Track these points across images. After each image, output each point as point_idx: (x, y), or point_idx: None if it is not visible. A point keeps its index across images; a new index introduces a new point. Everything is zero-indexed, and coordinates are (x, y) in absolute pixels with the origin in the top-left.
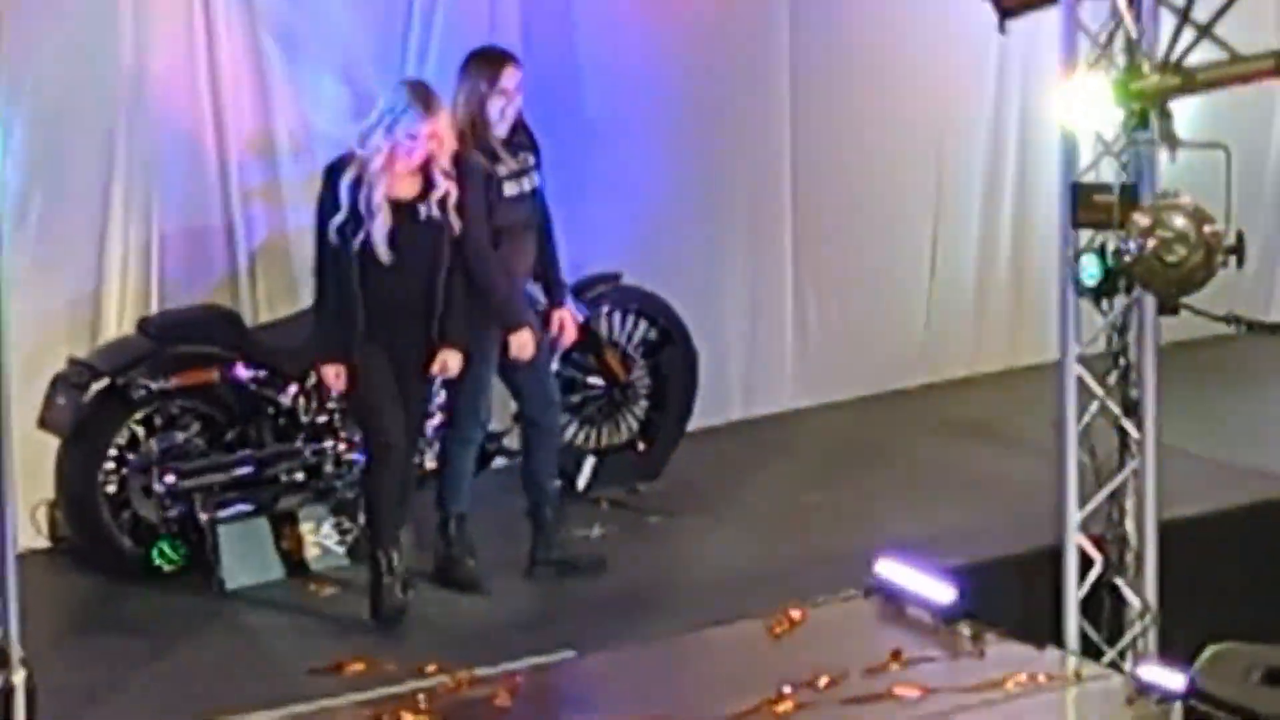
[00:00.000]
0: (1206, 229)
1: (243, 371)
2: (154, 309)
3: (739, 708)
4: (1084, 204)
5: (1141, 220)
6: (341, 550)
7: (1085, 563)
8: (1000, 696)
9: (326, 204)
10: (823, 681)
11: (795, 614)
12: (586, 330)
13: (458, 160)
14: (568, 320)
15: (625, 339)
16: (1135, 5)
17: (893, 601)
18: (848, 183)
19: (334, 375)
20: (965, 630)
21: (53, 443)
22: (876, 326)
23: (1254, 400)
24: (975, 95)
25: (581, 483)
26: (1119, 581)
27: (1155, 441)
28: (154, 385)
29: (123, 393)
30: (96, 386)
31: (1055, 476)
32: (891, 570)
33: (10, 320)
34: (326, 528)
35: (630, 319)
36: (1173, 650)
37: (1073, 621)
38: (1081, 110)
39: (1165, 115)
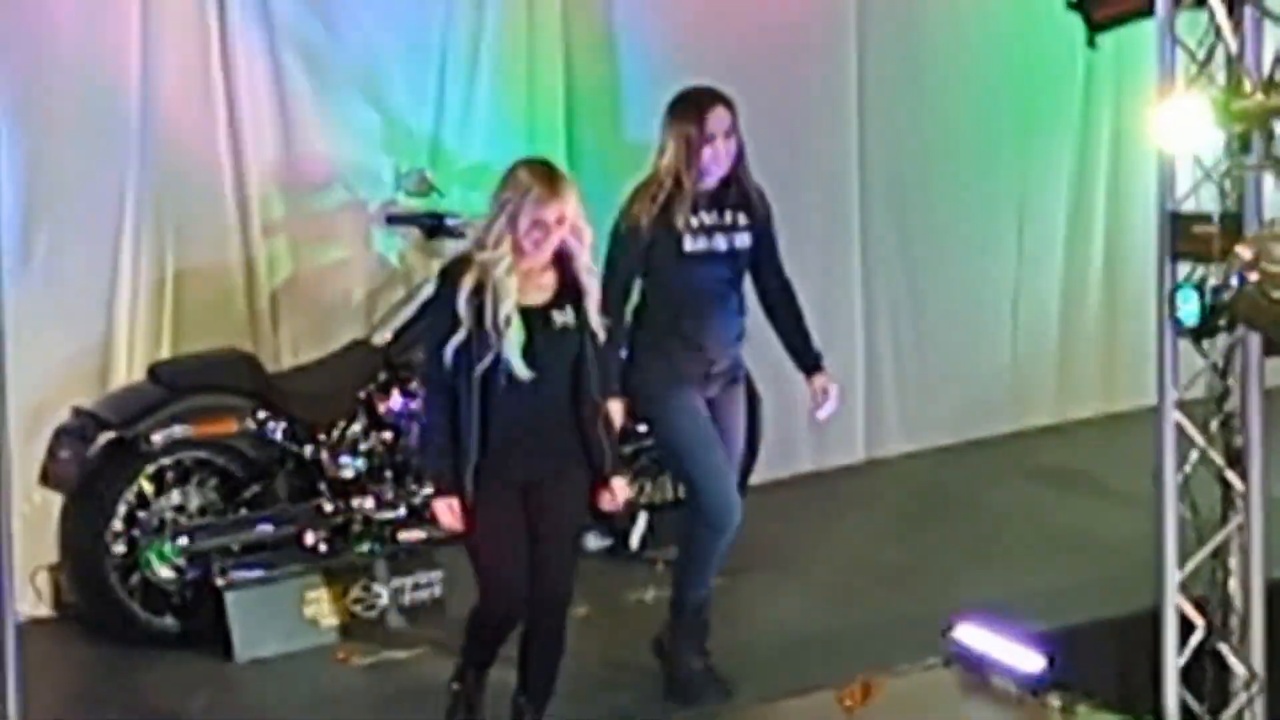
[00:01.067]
0: None
1: (263, 422)
2: (166, 353)
3: None
4: (1182, 235)
5: (1245, 253)
6: (372, 615)
7: (1186, 627)
8: None
9: (440, 318)
10: None
11: (869, 684)
12: None
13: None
14: (829, 386)
15: None
16: (1236, 17)
17: (975, 670)
18: (921, 216)
19: (446, 510)
20: (1055, 702)
21: (57, 501)
22: (955, 370)
23: None
24: (1061, 117)
25: (635, 541)
26: (1222, 647)
27: (1262, 494)
28: (166, 437)
29: (132, 445)
30: (104, 439)
31: (1152, 532)
32: (974, 636)
33: (12, 367)
34: (356, 592)
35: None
36: None
37: (1173, 691)
38: (1179, 132)
39: (1270, 137)
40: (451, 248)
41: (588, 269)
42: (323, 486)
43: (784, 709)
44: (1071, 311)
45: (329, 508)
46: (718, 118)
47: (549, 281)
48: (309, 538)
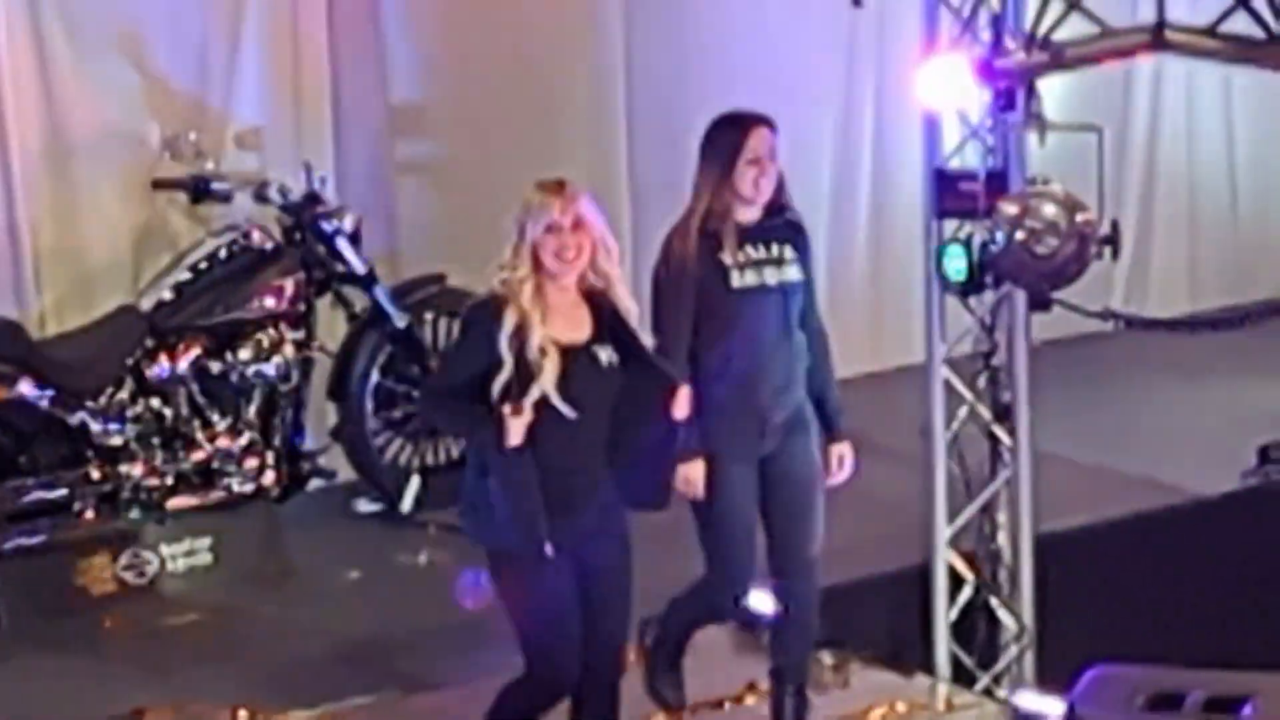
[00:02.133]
0: (1079, 218)
1: (28, 389)
2: None
3: None
4: (948, 192)
5: (1009, 209)
6: (143, 582)
7: (956, 582)
8: None
9: (475, 361)
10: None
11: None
12: (410, 336)
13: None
14: (847, 455)
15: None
16: None
17: (748, 627)
18: (688, 179)
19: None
20: (827, 658)
21: None
22: None
23: (1133, 401)
24: (825, 77)
25: (406, 505)
26: (993, 601)
27: (1029, 448)
28: None
29: None
30: None
31: (922, 488)
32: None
33: None
34: (126, 559)
35: (456, 325)
36: (1051, 675)
37: (943, 645)
38: (944, 91)
39: (1033, 95)
40: (220, 212)
41: (621, 284)
42: (90, 454)
43: None
44: (838, 270)
45: (97, 475)
46: (762, 139)
47: (584, 316)
48: (77, 505)
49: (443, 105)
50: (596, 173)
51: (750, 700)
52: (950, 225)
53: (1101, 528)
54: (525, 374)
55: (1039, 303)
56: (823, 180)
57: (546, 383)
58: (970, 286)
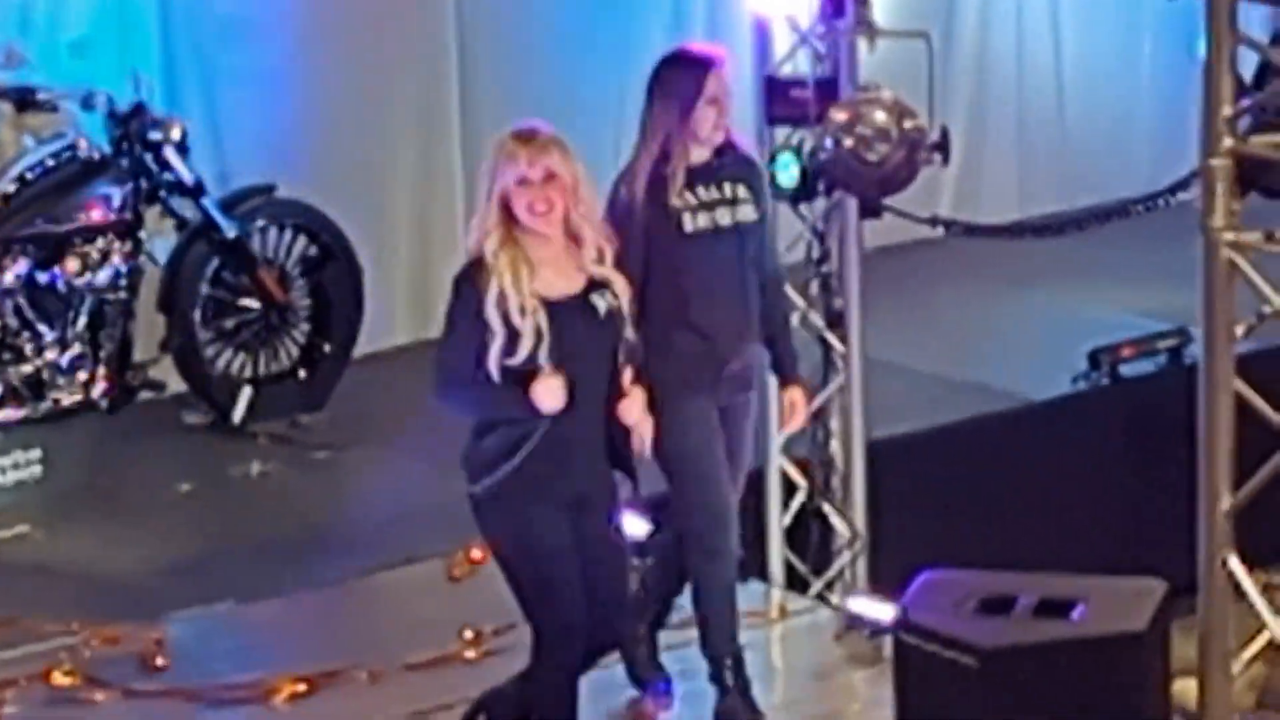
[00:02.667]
0: (908, 124)
1: None
2: None
3: (419, 657)
4: (779, 99)
5: (839, 116)
6: None
7: (789, 489)
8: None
9: (471, 331)
10: (511, 625)
11: (477, 554)
12: (239, 247)
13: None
14: (799, 401)
15: (282, 256)
16: None
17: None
18: (521, 97)
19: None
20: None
21: None
22: None
23: (964, 307)
24: None
25: (237, 416)
26: (826, 507)
27: (861, 355)
28: None
29: None
30: None
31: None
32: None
33: None
34: None
35: (287, 234)
36: (884, 579)
37: (777, 552)
38: None
39: (862, 1)
40: (46, 121)
41: (598, 229)
42: None
43: (391, 579)
44: None
45: None
46: (720, 79)
47: (571, 268)
48: None
49: (271, 14)
50: (425, 84)
51: None
52: (781, 133)
53: (933, 433)
54: (516, 336)
55: (870, 210)
56: None
57: (527, 345)
58: (801, 194)
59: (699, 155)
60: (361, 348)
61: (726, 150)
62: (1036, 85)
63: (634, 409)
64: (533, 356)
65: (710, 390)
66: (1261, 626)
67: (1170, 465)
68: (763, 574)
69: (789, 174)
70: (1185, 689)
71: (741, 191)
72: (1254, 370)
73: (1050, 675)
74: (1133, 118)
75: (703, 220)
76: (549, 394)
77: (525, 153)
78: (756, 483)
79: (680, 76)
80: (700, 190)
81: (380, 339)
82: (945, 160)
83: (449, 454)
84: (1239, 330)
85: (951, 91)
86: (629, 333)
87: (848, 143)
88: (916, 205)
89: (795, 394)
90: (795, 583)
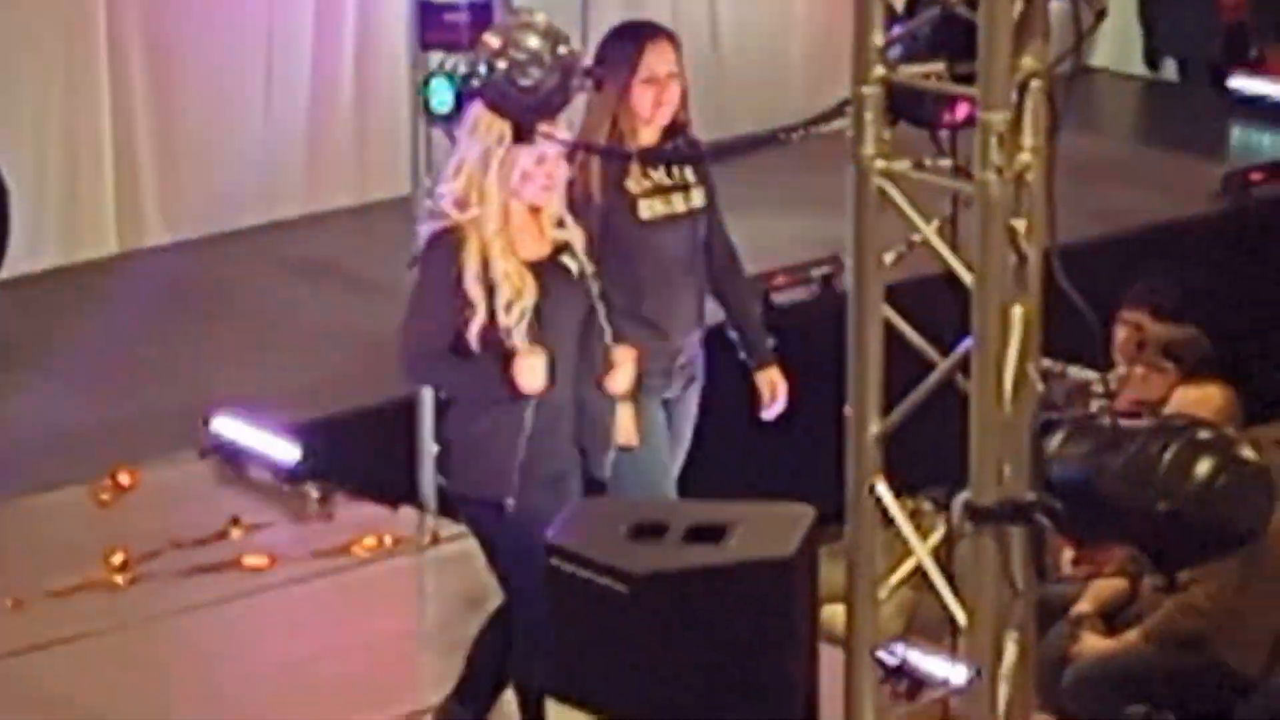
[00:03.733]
0: (562, 49)
1: None
2: None
3: (64, 583)
4: (432, 24)
5: (492, 41)
6: None
7: (441, 415)
8: (351, 561)
9: (447, 304)
10: (158, 551)
11: (124, 478)
12: None
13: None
14: (779, 382)
15: None
16: None
17: (232, 462)
18: (166, 15)
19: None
20: (312, 491)
21: None
22: (206, 164)
23: None
24: None
25: None
26: None
27: None
28: None
29: None
30: None
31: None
32: (230, 428)
33: None
34: None
35: None
36: None
37: (428, 478)
38: None
39: None
40: None
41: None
42: None
43: (36, 504)
44: (322, 102)
45: None
46: (660, 54)
47: (539, 230)
48: None
49: None
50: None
51: (236, 534)
52: (436, 58)
53: None
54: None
55: (522, 134)
56: (306, 10)
57: (514, 317)
58: (455, 119)
59: (647, 136)
60: (8, 270)
61: (678, 131)
62: (690, 13)
63: (622, 379)
64: (511, 331)
65: (661, 388)
66: (909, 552)
67: (822, 393)
68: (414, 500)
69: (442, 99)
70: (834, 614)
71: (690, 175)
72: (903, 299)
73: (700, 601)
74: (788, 47)
75: (659, 206)
76: (530, 373)
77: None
78: (409, 409)
79: (617, 52)
80: (652, 174)
81: (27, 261)
82: (599, 86)
83: (96, 379)
84: (888, 258)
85: (604, 18)
86: (596, 290)
87: (501, 67)
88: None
89: (773, 375)
90: (448, 509)
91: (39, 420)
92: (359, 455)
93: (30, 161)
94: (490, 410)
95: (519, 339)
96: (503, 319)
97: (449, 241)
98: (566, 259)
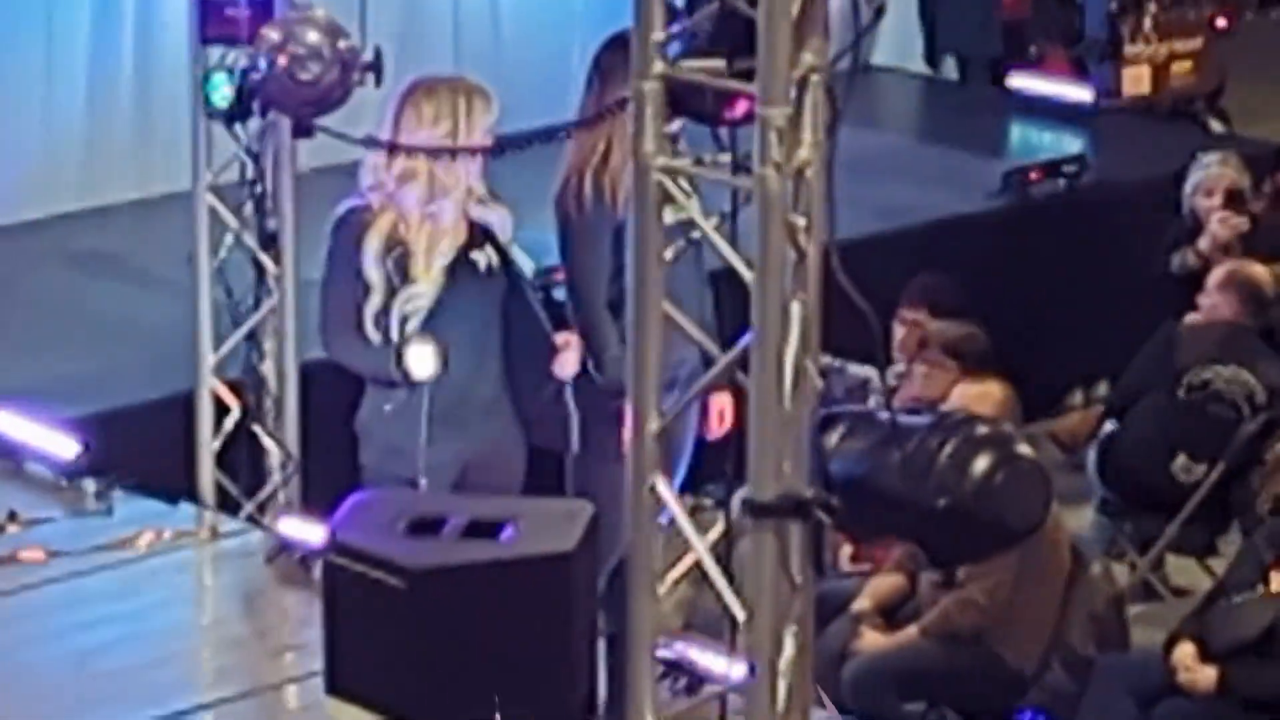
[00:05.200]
0: (341, 44)
1: None
2: None
3: None
4: (212, 18)
5: (273, 35)
6: None
7: (221, 410)
8: (131, 556)
9: (344, 285)
10: None
11: None
12: None
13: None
14: (727, 409)
15: None
16: None
17: (7, 458)
18: None
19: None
20: (90, 486)
21: None
22: None
23: None
24: None
25: None
26: (258, 429)
27: (294, 276)
28: None
29: None
30: None
31: (187, 316)
32: (6, 423)
33: None
34: None
35: None
36: (316, 502)
37: (207, 474)
38: None
39: None
40: None
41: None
42: None
43: None
44: (101, 95)
45: None
46: None
47: (456, 214)
48: None
49: None
50: None
51: (13, 529)
52: (216, 52)
53: None
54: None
55: (302, 129)
56: (84, 3)
57: (417, 303)
58: (235, 113)
59: None
60: None
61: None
62: (472, 9)
63: (568, 364)
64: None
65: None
66: (688, 548)
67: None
68: (193, 496)
69: (222, 94)
70: None
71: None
72: None
73: (479, 596)
74: (569, 42)
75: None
76: (419, 362)
77: (485, 116)
78: (188, 403)
79: (620, 62)
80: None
81: None
82: (378, 81)
83: None
84: (669, 255)
85: (383, 13)
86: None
87: (281, 62)
88: (352, 124)
89: (723, 400)
90: (227, 504)
91: None
92: (138, 450)
93: None
94: (393, 393)
95: (411, 327)
96: (398, 306)
97: (357, 224)
98: (475, 254)
